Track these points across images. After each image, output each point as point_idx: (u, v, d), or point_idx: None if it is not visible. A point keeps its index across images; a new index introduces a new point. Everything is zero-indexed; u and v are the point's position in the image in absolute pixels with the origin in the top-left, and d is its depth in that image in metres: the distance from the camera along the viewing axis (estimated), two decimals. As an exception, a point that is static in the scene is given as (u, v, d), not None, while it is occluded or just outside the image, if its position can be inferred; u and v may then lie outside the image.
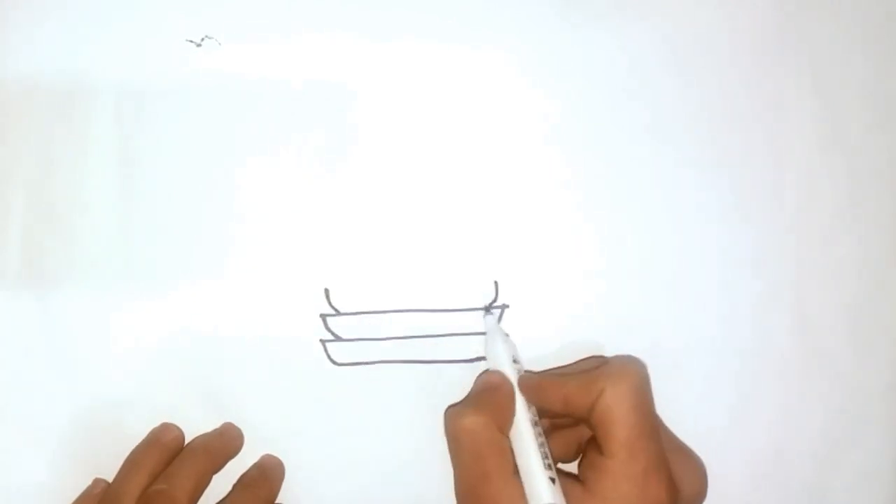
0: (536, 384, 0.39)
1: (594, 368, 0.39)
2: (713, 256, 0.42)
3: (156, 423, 0.43)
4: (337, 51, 0.43)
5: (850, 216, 0.43)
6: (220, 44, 0.43)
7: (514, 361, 0.40)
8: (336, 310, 0.43)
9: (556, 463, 0.38)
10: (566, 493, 0.36)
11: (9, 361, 0.43)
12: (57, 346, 0.43)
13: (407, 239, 0.43)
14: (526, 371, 0.40)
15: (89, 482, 0.42)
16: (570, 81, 0.43)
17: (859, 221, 0.43)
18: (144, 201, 0.43)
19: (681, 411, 0.40)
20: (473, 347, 0.43)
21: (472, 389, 0.41)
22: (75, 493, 0.42)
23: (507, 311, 0.43)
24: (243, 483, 0.42)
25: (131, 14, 0.43)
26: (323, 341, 0.43)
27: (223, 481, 0.42)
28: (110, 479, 0.41)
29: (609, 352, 0.42)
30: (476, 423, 0.37)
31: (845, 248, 0.43)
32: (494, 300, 0.43)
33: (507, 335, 0.41)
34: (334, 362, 0.43)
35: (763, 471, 0.41)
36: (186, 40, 0.43)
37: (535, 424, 0.38)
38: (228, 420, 0.43)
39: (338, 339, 0.43)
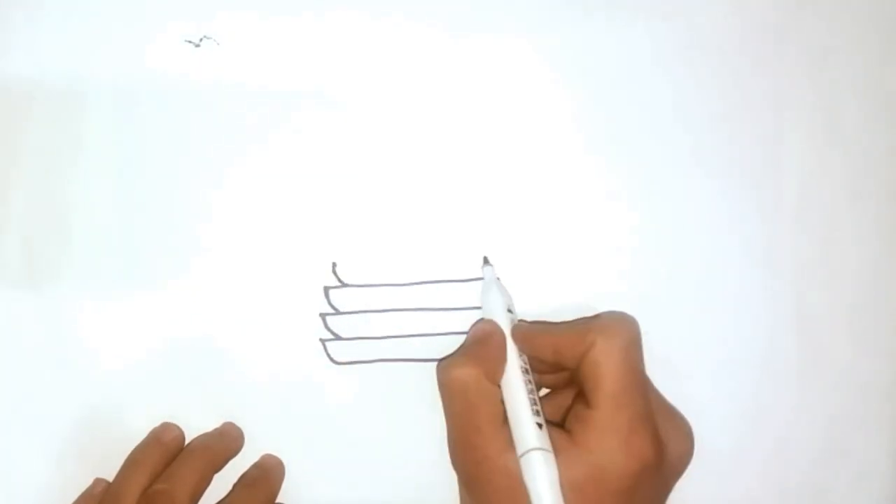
0: (528, 333, 0.39)
1: (586, 321, 0.39)
2: (713, 256, 0.42)
3: (156, 423, 0.43)
4: (341, 46, 0.43)
5: (850, 215, 0.43)
6: (218, 44, 0.43)
7: (509, 311, 0.40)
8: (336, 309, 0.43)
9: (546, 416, 0.38)
10: (552, 443, 0.36)
11: (9, 361, 0.43)
12: (57, 346, 0.43)
13: (407, 238, 0.43)
14: (520, 320, 0.40)
15: (90, 482, 0.42)
16: (579, 71, 0.43)
17: (859, 220, 0.43)
18: (144, 201, 0.43)
19: (678, 409, 0.40)
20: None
21: (465, 339, 0.41)
22: (76, 493, 0.42)
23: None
24: (244, 482, 0.42)
25: (130, 14, 0.43)
26: (323, 340, 0.43)
27: (224, 481, 0.42)
28: (111, 478, 0.42)
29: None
30: (467, 374, 0.38)
31: (845, 246, 0.43)
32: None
33: (502, 285, 0.41)
34: (334, 361, 0.43)
35: (763, 470, 0.41)
36: (185, 40, 0.43)
37: (525, 372, 0.38)
38: (228, 420, 0.43)
39: (337, 338, 0.43)
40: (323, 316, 0.43)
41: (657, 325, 0.42)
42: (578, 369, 0.37)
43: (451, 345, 0.42)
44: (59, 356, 0.43)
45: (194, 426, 0.43)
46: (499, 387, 0.38)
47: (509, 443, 0.36)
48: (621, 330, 0.38)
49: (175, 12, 0.43)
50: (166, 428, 0.43)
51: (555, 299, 0.43)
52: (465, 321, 0.42)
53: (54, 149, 0.43)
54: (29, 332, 0.43)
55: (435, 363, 0.42)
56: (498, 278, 0.42)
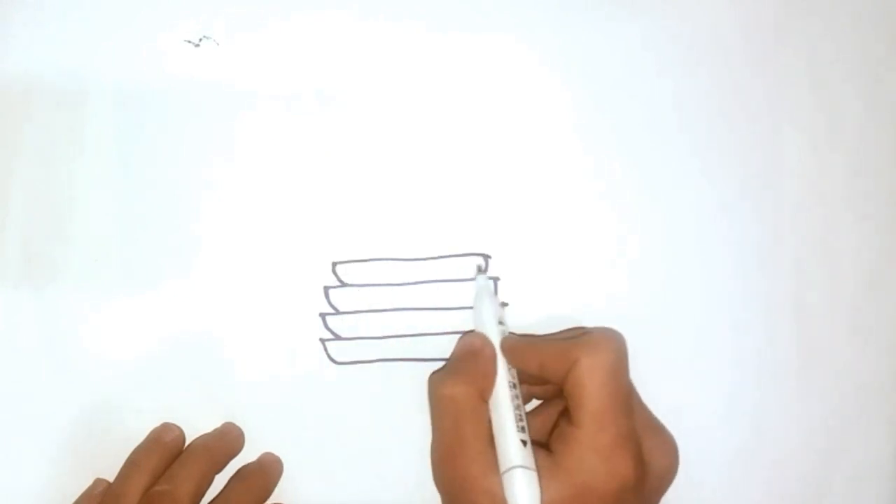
0: (516, 346, 0.39)
1: (573, 337, 0.39)
2: (712, 255, 0.42)
3: (156, 424, 0.43)
4: (340, 46, 0.43)
5: (849, 214, 0.43)
6: (217, 44, 0.43)
7: (500, 323, 0.40)
8: (336, 309, 0.43)
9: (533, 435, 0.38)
10: (535, 462, 0.36)
11: (9, 361, 0.43)
12: (57, 346, 0.43)
13: (407, 238, 0.43)
14: (510, 333, 0.40)
15: (90, 482, 0.42)
16: (576, 72, 0.43)
17: (859, 220, 0.43)
18: (143, 201, 0.43)
19: (678, 409, 0.40)
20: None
21: (454, 351, 0.41)
22: (76, 494, 0.42)
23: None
24: (239, 475, 0.42)
25: (130, 15, 0.43)
26: (323, 340, 0.43)
27: (224, 481, 0.42)
28: (111, 478, 0.42)
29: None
30: (459, 392, 0.38)
31: (845, 246, 0.43)
32: (485, 267, 0.43)
33: (494, 296, 0.41)
34: (334, 361, 0.43)
35: (763, 468, 0.41)
36: (184, 40, 0.43)
37: (512, 387, 0.38)
38: (229, 420, 0.43)
39: (337, 337, 0.43)
40: (323, 316, 0.43)
41: (657, 324, 0.42)
42: (563, 386, 0.37)
43: (451, 344, 0.42)
44: (59, 356, 0.43)
45: (194, 426, 0.43)
46: (487, 403, 0.38)
47: (494, 464, 0.37)
48: (605, 348, 0.37)
49: (175, 13, 0.43)
50: (167, 428, 0.43)
51: (554, 298, 0.43)
52: (464, 321, 0.42)
53: (54, 149, 0.43)
54: (29, 332, 0.43)
55: (435, 363, 0.42)
56: (491, 279, 0.42)
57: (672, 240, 0.42)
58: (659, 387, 0.40)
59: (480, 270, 0.43)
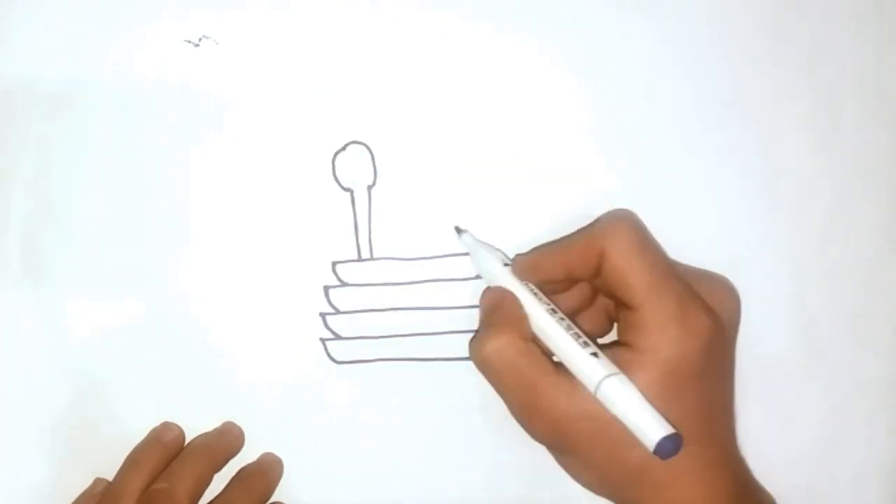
0: (532, 262, 0.39)
1: (588, 231, 0.38)
2: (712, 254, 0.42)
3: (156, 423, 0.43)
4: (341, 44, 0.43)
5: (850, 215, 0.43)
6: (217, 43, 0.43)
7: (506, 265, 0.40)
8: (336, 308, 0.43)
9: (593, 339, 0.37)
10: (616, 362, 0.35)
11: (8, 361, 0.43)
12: (56, 345, 0.43)
13: (407, 238, 0.43)
14: (516, 255, 0.40)
15: (90, 482, 0.42)
16: (577, 71, 0.43)
17: (858, 219, 0.43)
18: (144, 200, 0.43)
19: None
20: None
21: (480, 315, 0.40)
22: (75, 493, 0.42)
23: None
24: (240, 476, 0.42)
25: (129, 14, 0.43)
26: (323, 340, 0.43)
27: (224, 481, 0.42)
28: (111, 478, 0.42)
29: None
30: (498, 345, 0.37)
31: (844, 246, 0.43)
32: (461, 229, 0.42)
33: (487, 244, 0.41)
34: (334, 361, 0.43)
35: (763, 468, 0.41)
36: (184, 40, 0.43)
37: (553, 312, 0.37)
38: (228, 420, 0.43)
39: (337, 337, 0.43)
40: (323, 315, 0.43)
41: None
42: (602, 279, 0.37)
43: (451, 344, 0.42)
44: (59, 356, 0.43)
45: (194, 426, 0.43)
46: (534, 342, 0.37)
47: (573, 388, 0.35)
48: (624, 225, 0.37)
49: (174, 12, 0.43)
50: (166, 428, 0.43)
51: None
52: (464, 320, 0.42)
53: (54, 148, 0.43)
54: (28, 332, 0.43)
55: (435, 363, 0.43)
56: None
57: (673, 238, 0.42)
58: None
59: (460, 231, 0.42)
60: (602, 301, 0.40)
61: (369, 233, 0.43)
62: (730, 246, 0.42)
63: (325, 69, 0.43)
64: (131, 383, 0.43)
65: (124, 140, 0.43)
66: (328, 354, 0.43)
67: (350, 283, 0.43)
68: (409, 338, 0.43)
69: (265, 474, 0.42)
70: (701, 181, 0.42)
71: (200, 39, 0.43)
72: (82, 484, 0.42)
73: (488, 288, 0.40)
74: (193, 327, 0.43)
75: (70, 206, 0.43)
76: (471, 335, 0.42)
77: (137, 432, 0.42)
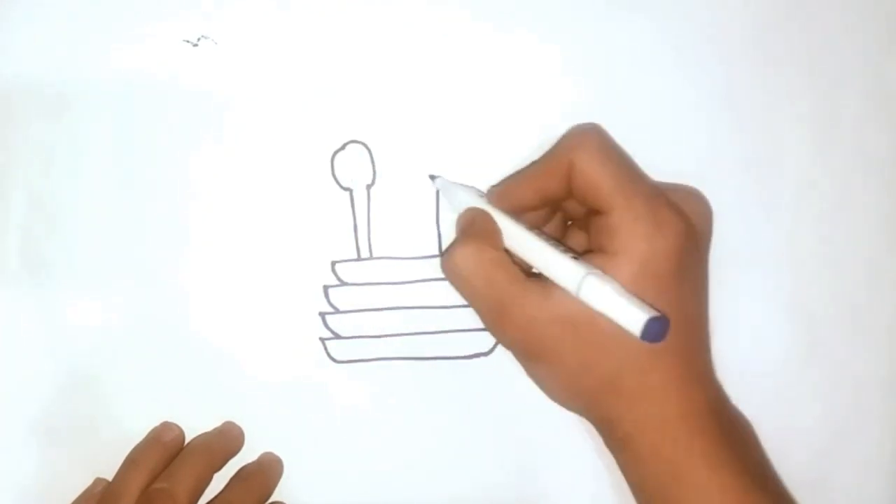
0: (505, 190, 0.39)
1: (554, 148, 0.38)
2: (712, 254, 0.42)
3: (156, 423, 0.43)
4: (341, 44, 0.43)
5: (849, 213, 0.43)
6: (216, 43, 0.43)
7: (481, 197, 0.40)
8: (335, 308, 0.43)
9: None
10: (594, 266, 0.35)
11: (8, 361, 0.43)
12: (56, 345, 0.43)
13: (407, 238, 0.43)
14: (489, 187, 0.40)
15: (89, 481, 0.42)
16: (577, 70, 0.43)
17: (858, 218, 0.43)
18: (143, 200, 0.43)
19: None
20: (473, 344, 0.43)
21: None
22: (76, 493, 0.42)
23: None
24: (240, 476, 0.42)
25: (128, 14, 0.43)
26: (322, 339, 0.43)
27: (224, 481, 0.42)
28: (110, 478, 0.42)
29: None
30: (464, 252, 0.37)
31: (844, 245, 0.43)
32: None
33: (462, 184, 0.41)
34: (334, 360, 0.43)
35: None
36: (183, 40, 0.43)
37: (529, 229, 0.38)
38: (228, 420, 0.43)
39: (337, 336, 0.43)
40: (323, 315, 0.43)
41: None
42: (573, 193, 0.37)
43: (451, 343, 0.42)
44: (58, 355, 0.43)
45: (194, 426, 0.43)
46: (506, 252, 0.37)
47: (546, 292, 0.36)
48: (588, 135, 0.37)
49: (173, 12, 0.43)
50: (166, 427, 0.43)
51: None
52: (464, 320, 0.42)
53: (53, 148, 0.43)
54: (28, 332, 0.43)
55: (434, 362, 0.43)
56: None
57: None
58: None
59: (434, 177, 0.42)
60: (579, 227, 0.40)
61: (368, 232, 0.43)
62: (730, 245, 0.42)
63: (324, 69, 0.43)
64: (131, 383, 0.43)
65: (124, 140, 0.43)
66: (328, 354, 0.43)
67: (349, 282, 0.43)
68: (409, 337, 0.43)
69: (265, 474, 0.43)
70: (700, 181, 0.42)
71: (199, 39, 0.43)
72: (82, 484, 0.42)
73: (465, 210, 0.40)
74: (193, 327, 0.43)
75: (70, 205, 0.43)
76: (471, 334, 0.42)
77: (137, 432, 0.42)
